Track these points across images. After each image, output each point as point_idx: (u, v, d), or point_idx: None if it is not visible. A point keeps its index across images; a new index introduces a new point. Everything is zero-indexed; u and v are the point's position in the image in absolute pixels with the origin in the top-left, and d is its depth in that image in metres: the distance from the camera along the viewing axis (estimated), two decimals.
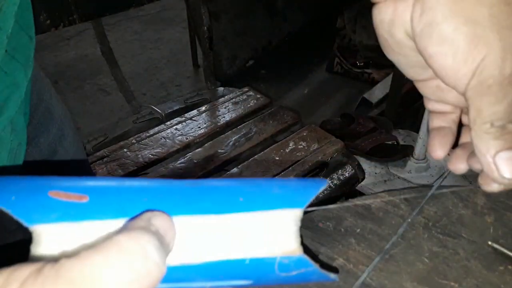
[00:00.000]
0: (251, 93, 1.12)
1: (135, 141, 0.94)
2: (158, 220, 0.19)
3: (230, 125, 1.01)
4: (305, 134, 0.96)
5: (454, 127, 0.33)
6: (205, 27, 1.10)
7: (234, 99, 1.10)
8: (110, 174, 0.85)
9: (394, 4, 0.27)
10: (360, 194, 1.14)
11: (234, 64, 2.18)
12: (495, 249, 0.43)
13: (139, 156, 0.90)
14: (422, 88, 0.32)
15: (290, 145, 0.93)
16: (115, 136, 0.98)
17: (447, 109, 0.32)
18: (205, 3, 1.08)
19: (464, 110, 0.32)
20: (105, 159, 0.88)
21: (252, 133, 0.97)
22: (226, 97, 1.11)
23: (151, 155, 0.90)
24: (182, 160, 0.89)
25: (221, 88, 1.17)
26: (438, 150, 0.33)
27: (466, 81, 0.25)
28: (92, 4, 0.83)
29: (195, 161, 0.89)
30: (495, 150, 0.25)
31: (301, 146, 0.92)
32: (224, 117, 1.03)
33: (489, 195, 0.49)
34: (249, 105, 1.07)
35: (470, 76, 0.25)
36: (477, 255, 0.43)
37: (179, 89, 2.20)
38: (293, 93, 2.08)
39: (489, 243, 0.44)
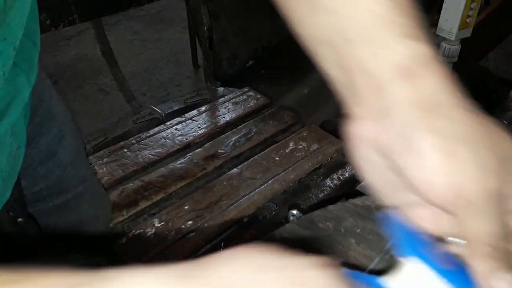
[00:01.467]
0: (251, 93, 1.12)
1: (135, 141, 0.94)
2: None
3: (230, 125, 1.01)
4: (305, 134, 0.96)
5: None
6: (205, 27, 1.10)
7: (234, 99, 1.10)
8: (110, 174, 0.85)
9: (368, 122, 0.27)
10: (361, 194, 1.14)
11: (234, 64, 2.18)
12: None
13: (139, 156, 0.90)
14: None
15: (290, 145, 0.93)
16: (115, 136, 0.98)
17: None
18: (205, 3, 1.08)
19: None
20: (105, 159, 0.88)
21: (252, 133, 0.97)
22: (226, 97, 1.11)
23: (151, 155, 0.90)
24: (182, 160, 0.89)
25: (221, 88, 1.17)
26: None
27: (448, 197, 0.24)
28: (92, 4, 0.83)
29: (195, 161, 0.89)
30: (492, 270, 0.24)
31: (301, 146, 0.92)
32: (224, 117, 1.03)
33: None
34: (249, 105, 1.07)
35: (451, 192, 0.24)
36: None
37: (179, 89, 2.20)
38: (293, 93, 2.08)
39: None
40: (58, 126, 0.53)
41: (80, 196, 0.59)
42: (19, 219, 0.46)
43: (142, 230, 0.72)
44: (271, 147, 0.92)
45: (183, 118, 1.02)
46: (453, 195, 0.24)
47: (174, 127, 0.99)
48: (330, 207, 0.49)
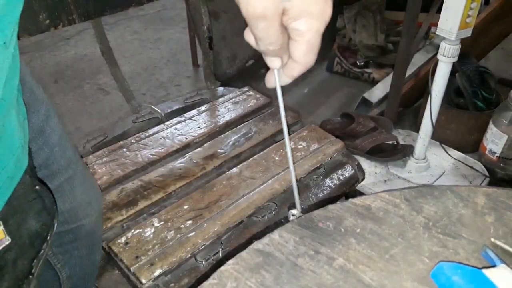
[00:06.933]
0: (251, 93, 1.12)
1: (134, 141, 0.94)
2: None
3: (229, 125, 1.01)
4: (305, 134, 0.96)
5: None
6: (205, 27, 1.10)
7: (234, 99, 1.10)
8: (110, 173, 0.85)
9: None
10: (360, 194, 1.14)
11: (234, 64, 2.18)
12: (497, 246, 0.43)
13: (139, 156, 0.89)
14: None
15: (290, 145, 0.93)
16: (114, 136, 0.98)
17: None
18: (205, 2, 1.08)
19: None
20: (104, 159, 0.88)
21: (252, 133, 0.97)
22: (226, 97, 1.11)
23: (151, 154, 0.90)
24: (182, 160, 0.89)
25: (221, 88, 1.17)
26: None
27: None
28: (92, 4, 0.83)
29: (194, 161, 0.89)
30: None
31: (301, 146, 0.92)
32: (224, 117, 1.03)
33: (489, 195, 0.49)
34: (249, 105, 1.07)
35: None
36: (478, 255, 0.42)
37: (178, 89, 2.20)
38: (293, 93, 2.08)
39: (492, 239, 0.44)
40: (45, 106, 0.56)
41: (72, 180, 0.61)
42: (37, 187, 0.48)
43: (141, 230, 0.72)
44: (270, 147, 0.92)
45: (183, 118, 1.02)
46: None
47: (174, 126, 0.99)
48: (330, 206, 0.49)
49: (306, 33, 0.34)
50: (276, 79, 0.40)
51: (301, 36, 0.35)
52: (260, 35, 0.35)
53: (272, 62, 0.38)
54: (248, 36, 0.38)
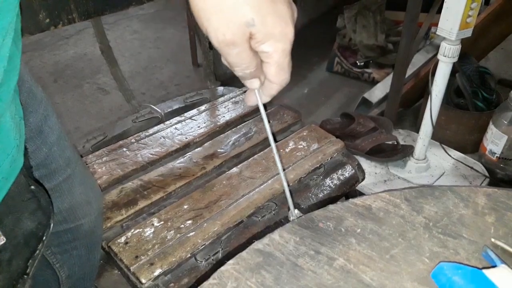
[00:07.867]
0: None
1: (134, 141, 0.93)
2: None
3: (230, 125, 1.01)
4: (305, 133, 0.96)
5: None
6: None
7: (234, 99, 1.09)
8: (109, 173, 0.84)
9: None
10: (360, 194, 1.14)
11: None
12: (497, 246, 0.43)
13: (138, 155, 0.89)
14: None
15: (290, 145, 0.93)
16: (114, 136, 0.98)
17: None
18: None
19: None
20: (104, 159, 0.88)
21: (252, 133, 0.97)
22: (225, 96, 1.10)
23: (150, 154, 0.90)
24: (182, 159, 0.89)
25: (220, 88, 1.16)
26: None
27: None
28: (92, 3, 0.83)
29: (194, 161, 0.88)
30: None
31: (301, 146, 0.92)
32: (223, 116, 1.03)
33: (489, 195, 0.49)
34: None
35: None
36: (478, 255, 0.42)
37: (178, 88, 2.20)
38: (293, 93, 2.08)
39: (492, 240, 0.44)
40: (43, 106, 0.56)
41: (71, 179, 0.61)
42: (32, 187, 0.48)
43: (141, 230, 0.72)
44: (270, 147, 0.92)
45: (183, 118, 1.01)
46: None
47: (174, 126, 0.98)
48: (330, 206, 0.49)
49: (273, 54, 0.37)
50: (257, 98, 0.43)
51: (269, 57, 0.38)
52: (235, 61, 0.37)
53: (251, 83, 0.41)
54: (226, 63, 0.40)
